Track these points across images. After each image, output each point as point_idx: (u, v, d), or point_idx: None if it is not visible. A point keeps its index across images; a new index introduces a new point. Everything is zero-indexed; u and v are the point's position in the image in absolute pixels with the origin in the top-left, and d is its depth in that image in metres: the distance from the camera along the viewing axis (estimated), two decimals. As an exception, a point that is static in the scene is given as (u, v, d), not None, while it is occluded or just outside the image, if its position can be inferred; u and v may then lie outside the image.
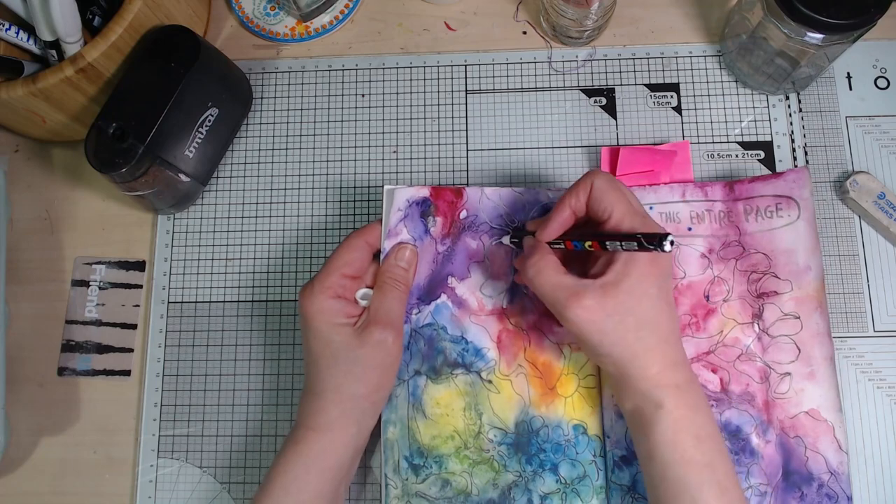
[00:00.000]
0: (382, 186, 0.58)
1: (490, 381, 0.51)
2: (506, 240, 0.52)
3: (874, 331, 0.53)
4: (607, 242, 0.42)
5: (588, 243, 0.44)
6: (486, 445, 0.50)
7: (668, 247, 0.39)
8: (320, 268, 0.49)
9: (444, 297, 0.52)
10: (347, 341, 0.47)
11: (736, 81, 0.58)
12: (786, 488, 0.49)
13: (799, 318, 0.51)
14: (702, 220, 0.53)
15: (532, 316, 0.52)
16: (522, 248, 0.49)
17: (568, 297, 0.42)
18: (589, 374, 0.51)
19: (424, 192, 0.53)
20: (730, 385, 0.50)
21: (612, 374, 0.45)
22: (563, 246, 0.46)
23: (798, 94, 0.58)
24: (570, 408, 0.51)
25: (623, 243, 0.42)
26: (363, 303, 0.49)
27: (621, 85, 0.59)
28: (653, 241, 0.40)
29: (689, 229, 0.53)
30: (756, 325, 0.51)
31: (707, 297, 0.52)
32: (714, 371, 0.50)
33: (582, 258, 0.47)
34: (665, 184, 0.54)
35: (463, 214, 0.53)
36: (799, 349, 0.50)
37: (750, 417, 0.49)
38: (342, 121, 0.60)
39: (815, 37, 0.49)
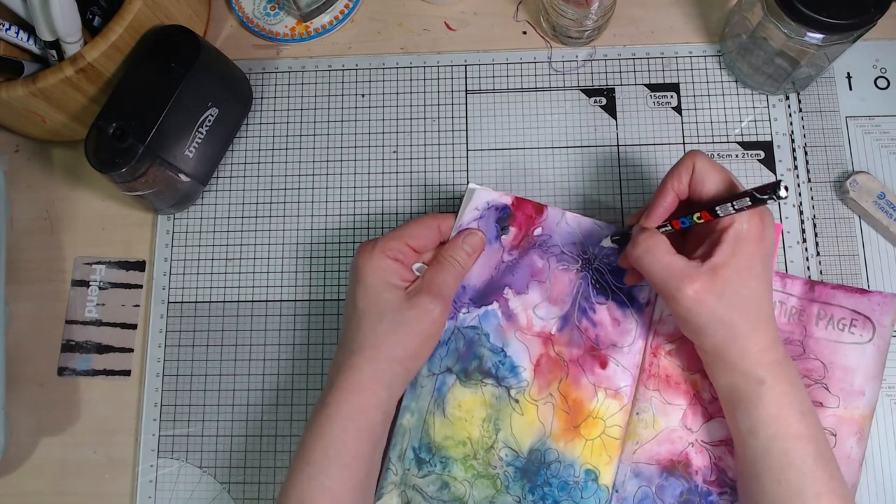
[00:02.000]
0: (381, 187, 0.58)
1: (517, 401, 0.50)
2: (606, 242, 0.51)
3: (874, 331, 0.53)
4: (718, 208, 0.42)
5: (697, 215, 0.43)
6: (495, 462, 0.50)
7: (783, 192, 0.38)
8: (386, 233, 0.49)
9: (495, 305, 0.52)
10: (397, 302, 0.47)
11: (736, 81, 0.58)
12: None
13: (835, 435, 0.49)
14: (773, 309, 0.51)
15: (577, 350, 0.51)
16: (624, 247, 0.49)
17: (681, 278, 0.43)
18: (616, 425, 0.50)
19: (507, 199, 0.53)
20: None
21: (709, 352, 0.45)
22: (670, 228, 0.45)
23: (798, 94, 0.58)
24: (588, 451, 0.49)
25: (734, 204, 0.41)
26: (418, 274, 0.50)
27: (621, 85, 0.59)
28: (766, 191, 0.39)
29: None
30: None
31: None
32: None
33: (683, 240, 0.46)
34: None
35: (538, 231, 0.53)
36: None
37: None
38: (342, 121, 0.60)
39: (815, 37, 0.49)
